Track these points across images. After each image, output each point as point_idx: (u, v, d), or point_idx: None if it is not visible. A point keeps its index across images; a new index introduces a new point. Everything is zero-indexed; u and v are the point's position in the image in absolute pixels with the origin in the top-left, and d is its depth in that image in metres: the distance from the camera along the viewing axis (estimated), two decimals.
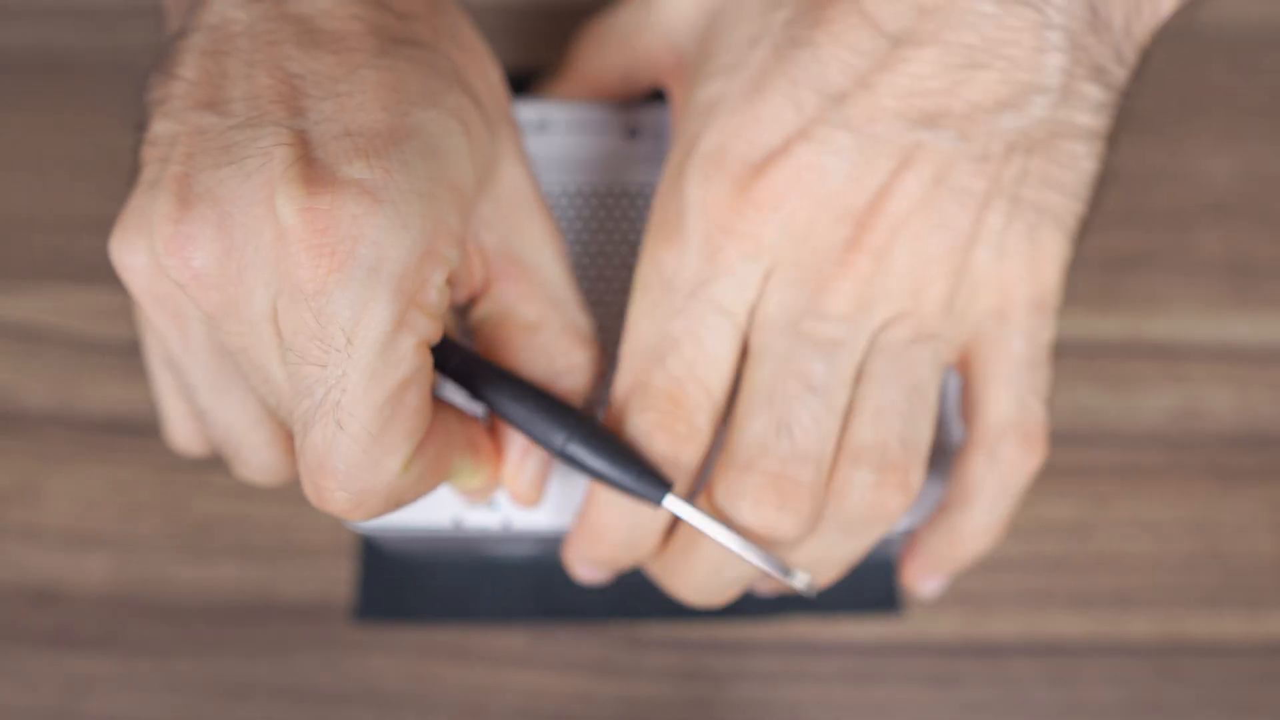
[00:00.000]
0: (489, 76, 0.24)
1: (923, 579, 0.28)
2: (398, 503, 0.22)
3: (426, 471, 0.22)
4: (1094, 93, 0.22)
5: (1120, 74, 0.23)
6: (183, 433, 0.27)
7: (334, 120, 0.20)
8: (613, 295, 0.29)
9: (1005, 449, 0.24)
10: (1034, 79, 0.22)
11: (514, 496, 0.25)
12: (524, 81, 0.37)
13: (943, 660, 0.33)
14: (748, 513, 0.23)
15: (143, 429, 0.35)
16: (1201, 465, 0.35)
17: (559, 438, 0.23)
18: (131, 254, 0.21)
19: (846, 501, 0.23)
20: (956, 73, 0.22)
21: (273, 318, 0.20)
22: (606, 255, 0.29)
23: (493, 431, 0.25)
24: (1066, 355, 0.37)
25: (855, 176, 0.22)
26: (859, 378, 0.23)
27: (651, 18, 0.28)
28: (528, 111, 0.32)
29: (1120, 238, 0.38)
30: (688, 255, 0.23)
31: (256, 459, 0.25)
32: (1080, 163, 0.23)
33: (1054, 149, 0.23)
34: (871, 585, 0.33)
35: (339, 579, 0.34)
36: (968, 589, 0.34)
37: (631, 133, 0.30)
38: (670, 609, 0.33)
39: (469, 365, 0.23)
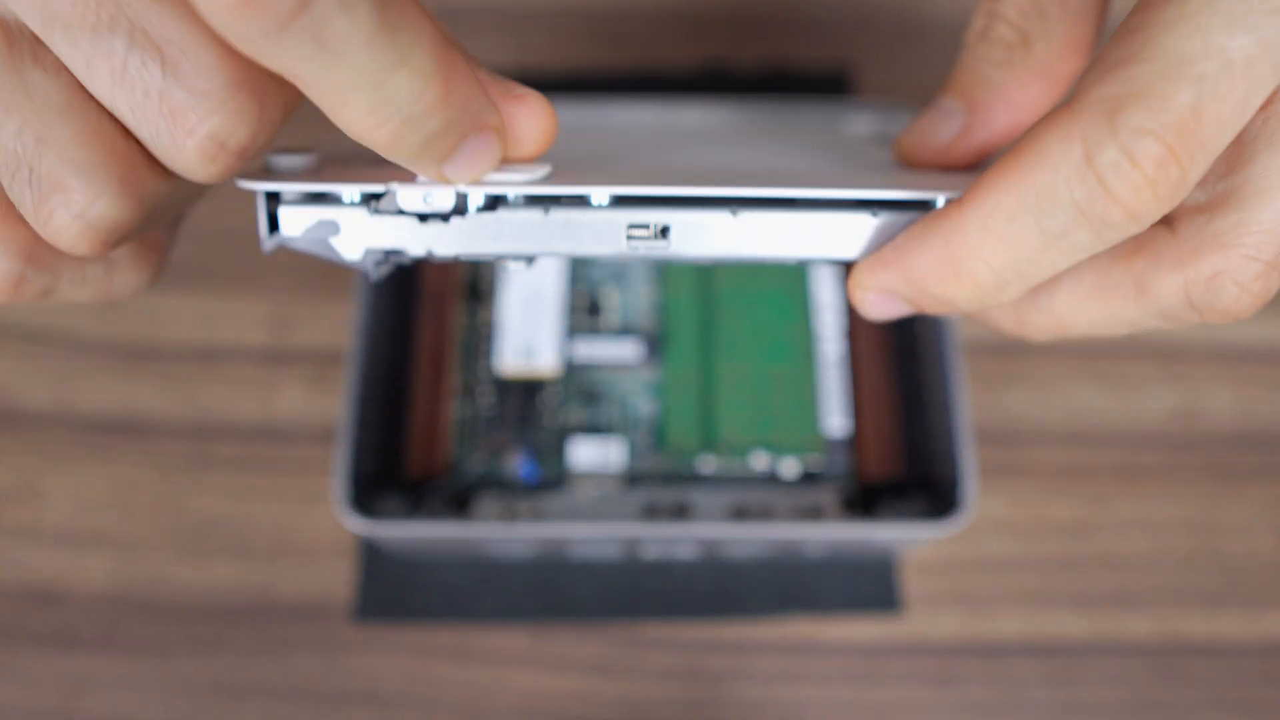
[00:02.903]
0: None
1: None
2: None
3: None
4: None
5: None
6: None
7: None
8: None
9: None
10: None
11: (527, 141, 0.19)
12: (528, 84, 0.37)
13: (943, 660, 0.33)
14: (1226, 307, 0.18)
15: (143, 429, 0.35)
16: (1201, 465, 0.35)
17: None
18: None
19: None
20: None
21: None
22: None
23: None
24: (1066, 355, 0.37)
25: None
26: None
27: None
28: None
29: None
30: None
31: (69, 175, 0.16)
32: None
33: None
34: (872, 585, 0.33)
35: (339, 579, 0.34)
36: (968, 589, 0.34)
37: None
38: (670, 609, 0.33)
39: None
